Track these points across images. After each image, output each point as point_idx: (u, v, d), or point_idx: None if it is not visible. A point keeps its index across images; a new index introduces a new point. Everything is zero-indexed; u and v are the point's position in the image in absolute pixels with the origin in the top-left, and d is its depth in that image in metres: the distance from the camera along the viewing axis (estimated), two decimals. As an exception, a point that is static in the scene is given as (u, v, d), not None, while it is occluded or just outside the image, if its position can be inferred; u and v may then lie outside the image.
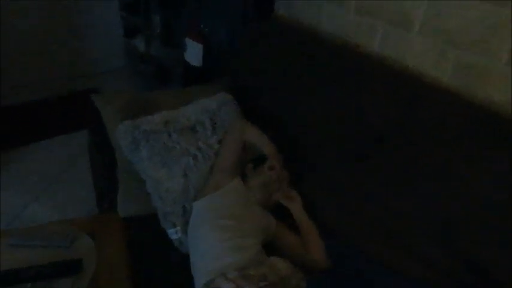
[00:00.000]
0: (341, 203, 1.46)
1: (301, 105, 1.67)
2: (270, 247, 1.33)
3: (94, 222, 1.47)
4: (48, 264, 1.21)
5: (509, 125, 1.23)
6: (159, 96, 1.70)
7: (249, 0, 1.99)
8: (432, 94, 1.39)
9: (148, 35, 2.95)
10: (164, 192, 1.44)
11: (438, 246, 1.24)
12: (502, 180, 1.16)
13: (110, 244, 1.34)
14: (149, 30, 2.91)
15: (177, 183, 1.44)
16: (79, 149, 2.20)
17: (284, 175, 1.48)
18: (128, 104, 1.60)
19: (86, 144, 1.83)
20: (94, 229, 1.35)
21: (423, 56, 1.49)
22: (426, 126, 1.35)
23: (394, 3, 1.53)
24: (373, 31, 1.63)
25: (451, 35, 1.39)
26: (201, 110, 1.61)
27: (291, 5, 1.98)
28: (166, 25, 2.75)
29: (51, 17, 2.93)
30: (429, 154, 1.32)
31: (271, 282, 1.13)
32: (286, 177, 1.50)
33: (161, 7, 2.70)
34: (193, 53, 2.27)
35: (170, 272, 1.35)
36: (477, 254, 1.18)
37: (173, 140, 1.50)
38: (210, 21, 2.24)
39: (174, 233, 1.41)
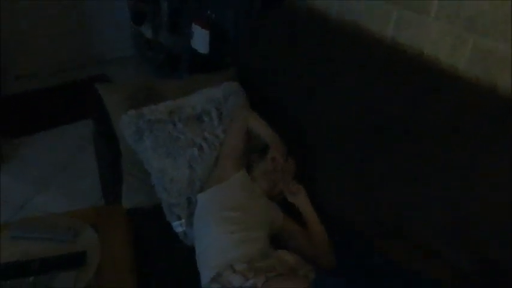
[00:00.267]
0: (351, 193, 1.43)
1: (312, 94, 1.62)
2: (276, 241, 1.31)
3: (98, 214, 1.46)
4: (52, 257, 1.20)
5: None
6: (163, 86, 1.67)
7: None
8: (449, 82, 1.34)
9: (156, 22, 2.90)
10: (169, 183, 1.41)
11: (448, 240, 1.22)
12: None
13: (114, 236, 1.33)
14: (157, 17, 2.87)
15: (182, 174, 1.42)
16: (87, 138, 2.18)
17: (289, 167, 1.45)
18: (132, 94, 1.58)
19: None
20: (98, 221, 1.35)
21: (440, 42, 1.43)
22: (442, 115, 1.30)
23: (409, -14, 1.46)
24: (387, 16, 1.57)
25: (469, 20, 1.32)
26: (207, 100, 1.57)
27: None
28: (173, 12, 2.69)
29: (59, 6, 2.91)
30: (445, 144, 1.27)
31: (279, 273, 1.12)
32: (293, 169, 1.47)
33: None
34: (200, 39, 2.22)
35: (174, 264, 1.33)
36: (487, 249, 1.16)
37: (178, 130, 1.48)
38: (217, 7, 2.19)
39: (179, 226, 1.39)
